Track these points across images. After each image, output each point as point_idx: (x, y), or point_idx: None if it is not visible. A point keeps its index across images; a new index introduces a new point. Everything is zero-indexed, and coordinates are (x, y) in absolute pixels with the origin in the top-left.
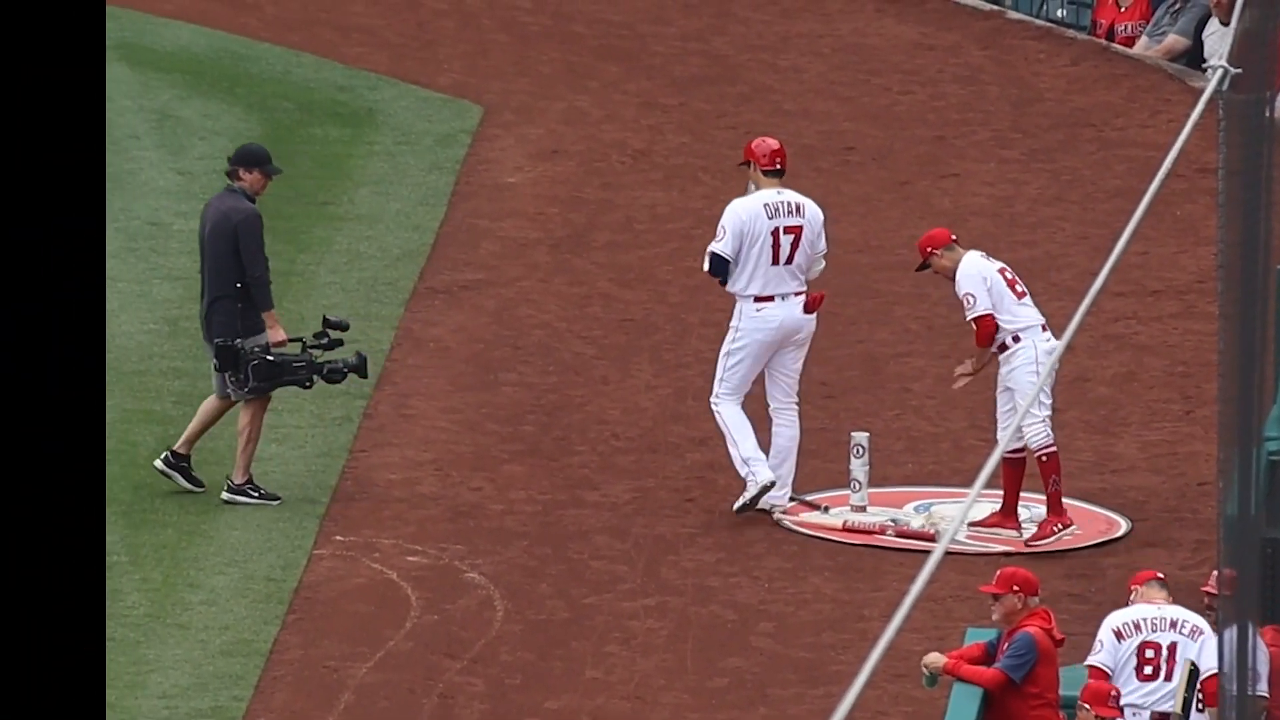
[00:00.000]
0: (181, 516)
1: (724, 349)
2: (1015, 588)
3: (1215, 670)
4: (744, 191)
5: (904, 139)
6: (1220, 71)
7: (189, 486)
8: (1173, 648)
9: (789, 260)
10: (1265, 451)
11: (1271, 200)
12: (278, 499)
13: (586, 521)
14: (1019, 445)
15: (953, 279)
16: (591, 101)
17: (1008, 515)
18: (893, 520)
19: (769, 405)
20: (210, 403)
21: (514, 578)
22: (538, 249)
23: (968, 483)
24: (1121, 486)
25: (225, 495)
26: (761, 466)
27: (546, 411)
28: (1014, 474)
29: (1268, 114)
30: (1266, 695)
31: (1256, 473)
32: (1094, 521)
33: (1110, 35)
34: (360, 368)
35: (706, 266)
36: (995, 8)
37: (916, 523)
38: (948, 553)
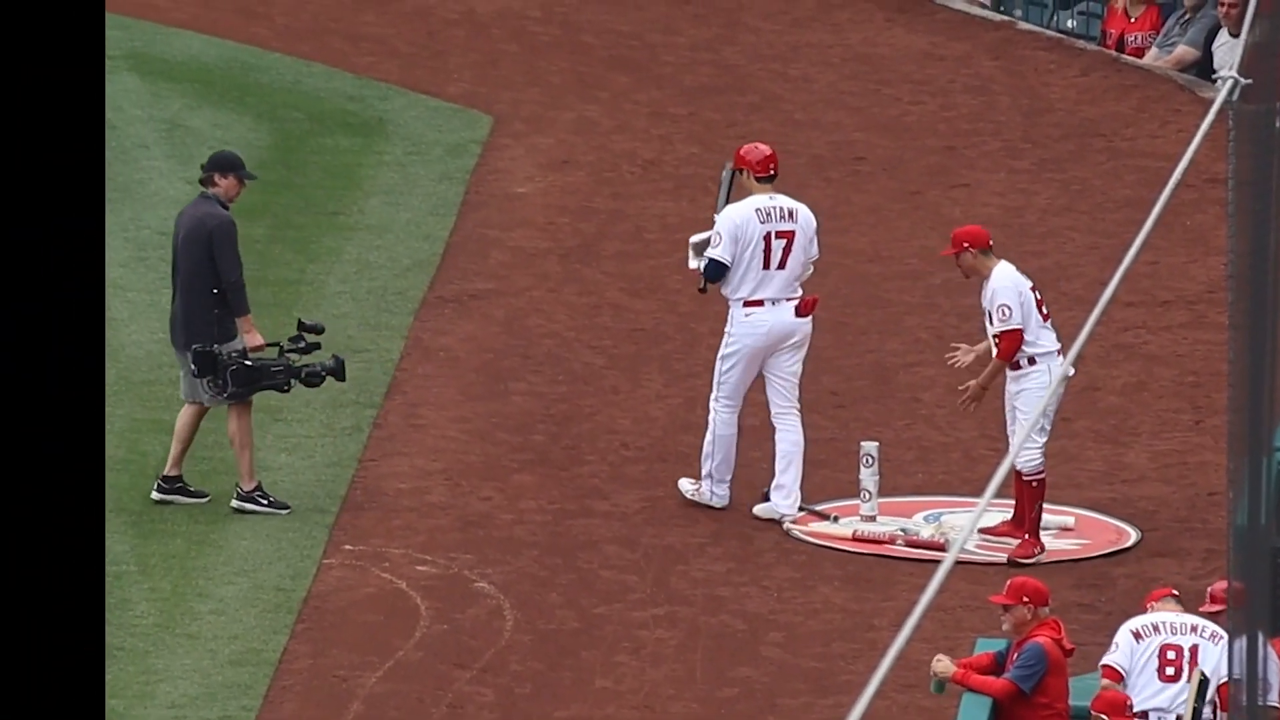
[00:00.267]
0: (190, 526)
1: (719, 354)
2: (1025, 599)
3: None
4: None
5: (914, 149)
6: (1230, 82)
7: (193, 501)
8: (1194, 650)
9: (780, 265)
10: (1275, 461)
11: None
12: (286, 508)
13: (596, 531)
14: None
15: (969, 277)
16: (601, 111)
17: (1018, 525)
18: (903, 530)
19: (771, 412)
20: (184, 417)
21: (524, 587)
22: (548, 259)
23: (978, 492)
24: (1132, 496)
25: (235, 503)
26: (722, 490)
27: (556, 421)
28: (1032, 495)
29: (1278, 124)
30: (1279, 705)
31: (1267, 483)
32: (1104, 531)
33: (1120, 46)
34: (338, 370)
35: (694, 264)
36: (1006, 18)
37: (926, 532)
38: (958, 562)
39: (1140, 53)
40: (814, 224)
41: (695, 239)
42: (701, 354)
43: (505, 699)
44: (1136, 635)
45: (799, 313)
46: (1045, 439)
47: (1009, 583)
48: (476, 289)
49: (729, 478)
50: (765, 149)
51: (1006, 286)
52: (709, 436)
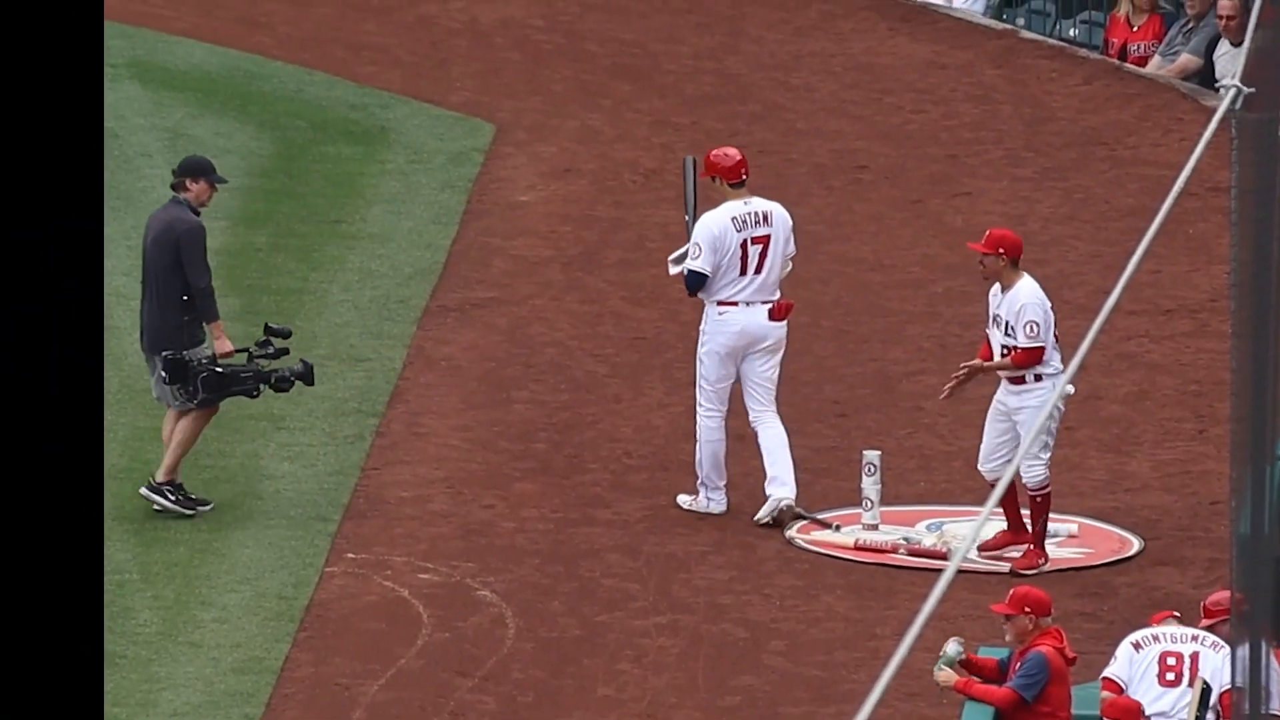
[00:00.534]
0: (193, 534)
1: (697, 355)
2: (1027, 609)
3: (1232, 686)
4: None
5: (916, 158)
6: (1233, 91)
7: (196, 511)
8: (1195, 657)
9: (758, 270)
10: (1278, 470)
11: None
12: (208, 504)
13: (598, 539)
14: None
15: (988, 279)
16: (604, 120)
17: (1016, 533)
18: (905, 539)
19: (749, 418)
20: (168, 424)
21: (526, 595)
22: (550, 267)
23: (980, 501)
24: (1134, 505)
25: (143, 490)
26: (718, 495)
27: (558, 429)
28: (1038, 508)
29: None
30: None
31: (1269, 491)
32: (1106, 540)
33: (1123, 55)
34: (306, 375)
35: (674, 271)
36: (1008, 27)
37: (929, 541)
38: (960, 571)
39: (1143, 62)
40: (790, 223)
41: (673, 256)
42: None
43: (507, 707)
44: (1136, 646)
45: (773, 316)
46: (1049, 455)
47: (1011, 592)
48: (479, 297)
49: (723, 483)
50: (735, 154)
51: (1038, 304)
52: (697, 443)
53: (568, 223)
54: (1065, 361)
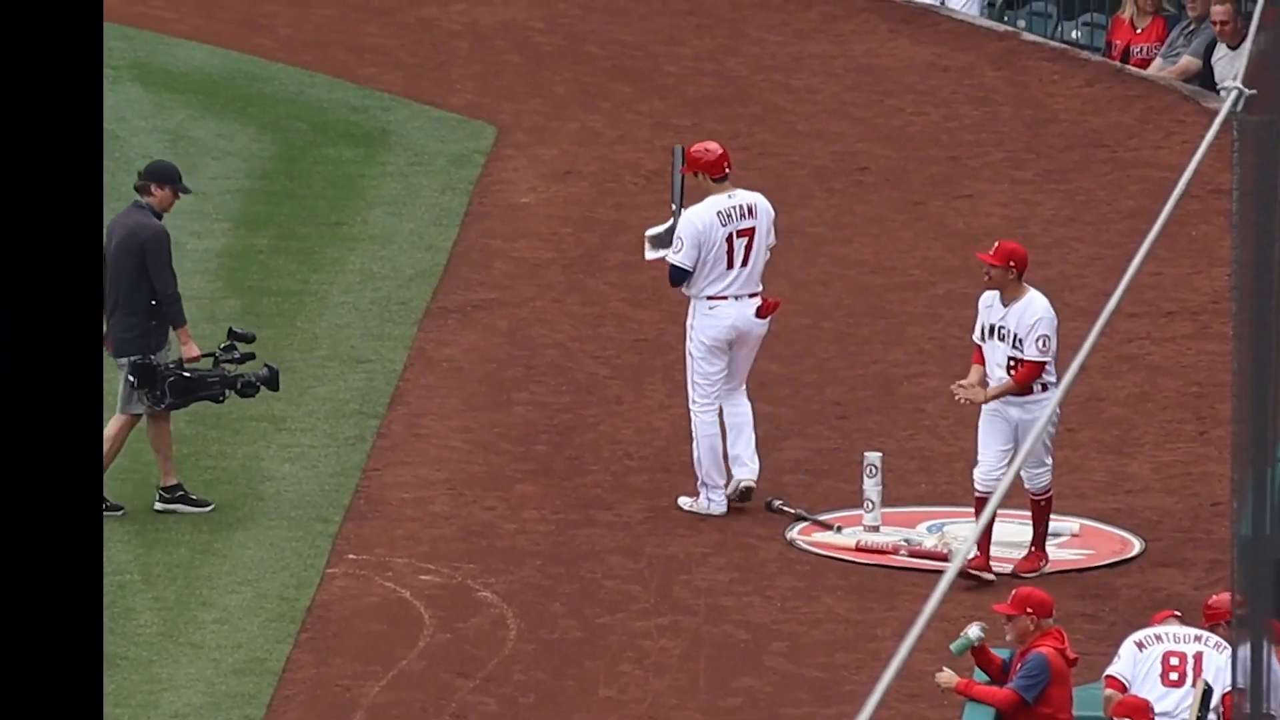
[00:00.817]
0: (194, 535)
1: (686, 352)
2: (1029, 610)
3: (1234, 687)
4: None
5: (917, 160)
6: (1235, 93)
7: (197, 510)
8: (1198, 657)
9: (744, 263)
10: (1279, 472)
11: None
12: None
13: (599, 541)
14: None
15: (993, 288)
16: (604, 122)
17: (987, 552)
18: (906, 540)
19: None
20: (151, 431)
21: (527, 597)
22: (551, 269)
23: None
24: (1135, 507)
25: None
26: (719, 496)
27: (559, 431)
28: (1040, 512)
29: None
30: None
31: (1271, 493)
32: (1108, 541)
33: (1125, 57)
34: (271, 380)
35: (650, 256)
36: (1010, 29)
37: (930, 542)
38: (961, 573)
39: (1146, 64)
40: (772, 213)
41: (651, 232)
42: None
43: (508, 709)
44: (1139, 645)
45: (760, 314)
46: (1050, 460)
47: (1013, 593)
48: (480, 299)
49: (724, 482)
50: (717, 148)
51: (1050, 319)
52: (694, 442)
53: (569, 224)
54: (1066, 363)
